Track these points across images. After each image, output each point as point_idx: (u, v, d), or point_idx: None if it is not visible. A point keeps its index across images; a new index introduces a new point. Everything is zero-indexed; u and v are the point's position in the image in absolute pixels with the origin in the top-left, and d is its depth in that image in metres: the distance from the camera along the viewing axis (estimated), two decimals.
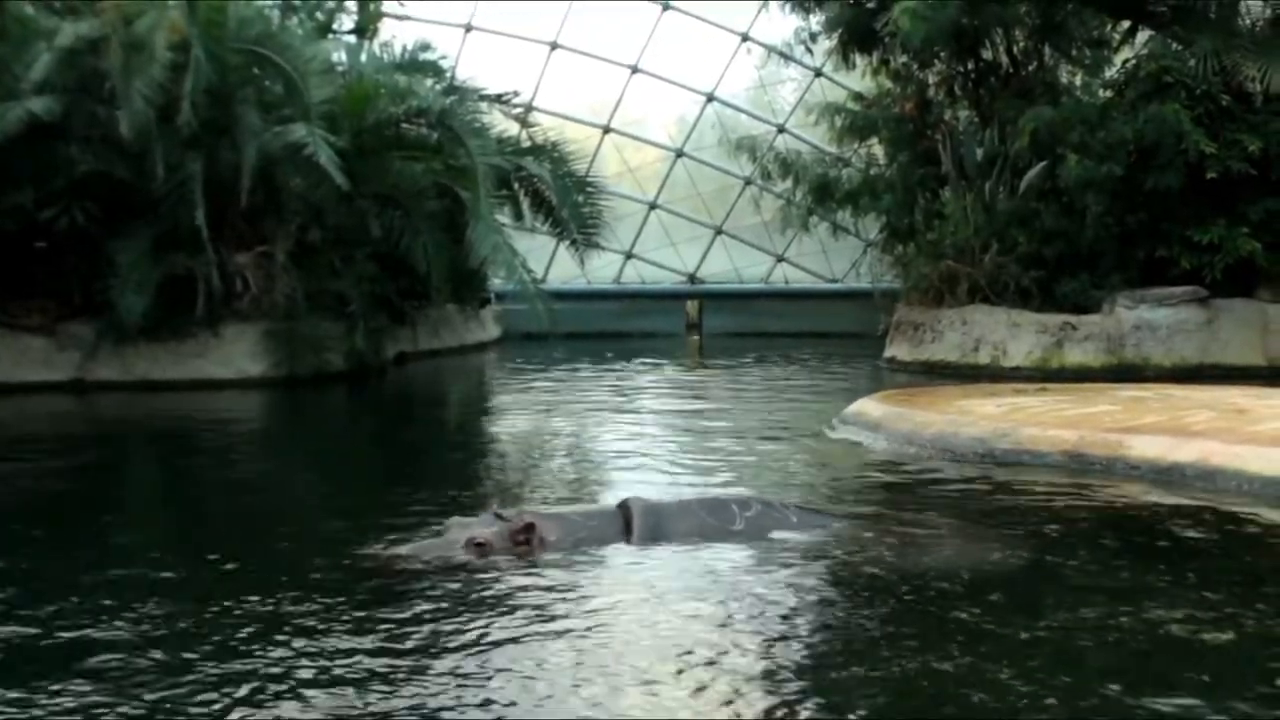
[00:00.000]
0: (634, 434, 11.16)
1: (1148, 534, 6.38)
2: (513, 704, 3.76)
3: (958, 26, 17.41)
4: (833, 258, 29.33)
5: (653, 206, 29.86)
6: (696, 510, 6.01)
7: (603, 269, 28.48)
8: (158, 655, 4.22)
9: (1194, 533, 6.36)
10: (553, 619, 4.62)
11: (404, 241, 17.83)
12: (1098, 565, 5.59)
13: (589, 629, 4.50)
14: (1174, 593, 5.02)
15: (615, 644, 4.34)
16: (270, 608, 4.81)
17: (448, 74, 21.68)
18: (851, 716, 3.71)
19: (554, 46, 27.46)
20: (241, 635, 4.44)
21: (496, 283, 22.22)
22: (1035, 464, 8.35)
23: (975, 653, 4.17)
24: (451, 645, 4.32)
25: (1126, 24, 19.30)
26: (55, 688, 3.90)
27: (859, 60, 20.44)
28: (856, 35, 19.49)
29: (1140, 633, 4.43)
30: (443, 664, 4.12)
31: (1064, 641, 4.36)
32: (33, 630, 4.55)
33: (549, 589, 5.00)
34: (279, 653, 4.23)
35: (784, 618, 4.62)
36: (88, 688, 3.90)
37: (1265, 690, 3.85)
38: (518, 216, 21.09)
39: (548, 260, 27.00)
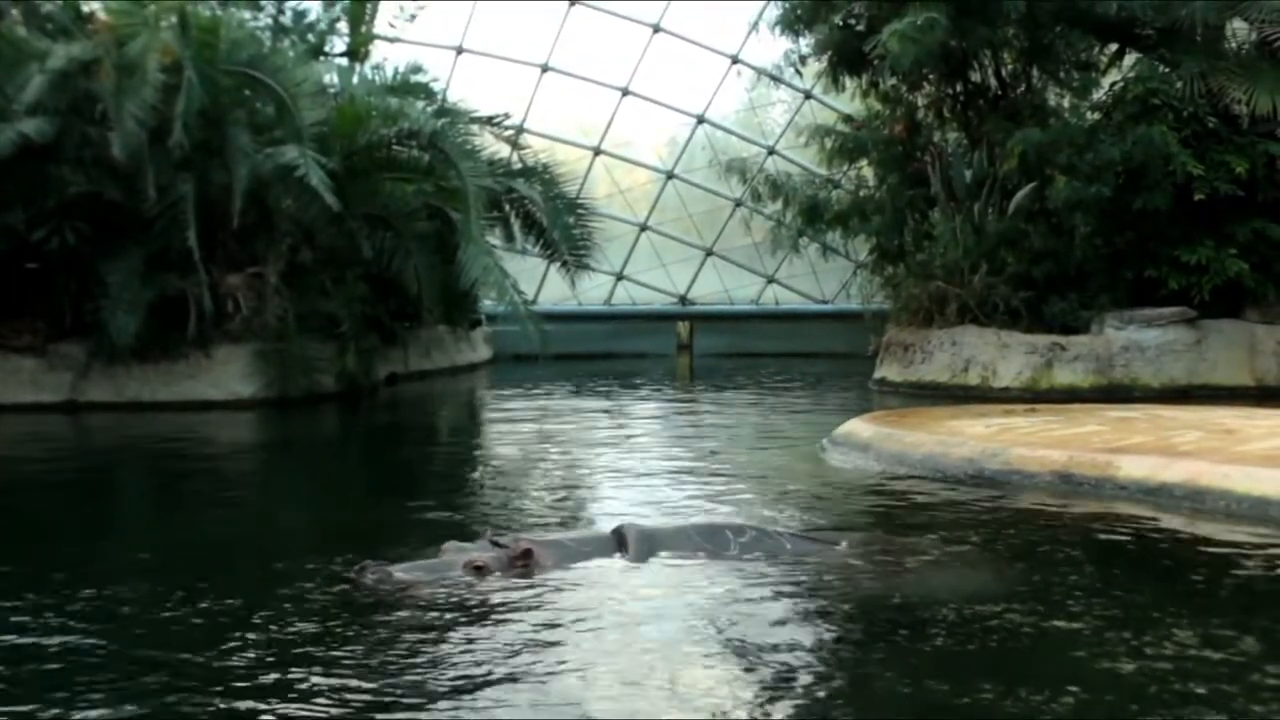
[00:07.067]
0: (625, 456, 11.16)
1: (1135, 557, 6.39)
2: None
3: (946, 49, 17.53)
4: (823, 279, 29.42)
5: (643, 228, 29.94)
6: (691, 536, 6.04)
7: (593, 290, 28.56)
8: (151, 674, 4.23)
9: (1183, 555, 6.37)
10: (552, 643, 4.62)
11: (395, 262, 17.87)
12: (1088, 589, 5.59)
13: (588, 654, 4.50)
14: (1164, 617, 5.04)
15: (613, 667, 4.35)
16: (262, 629, 4.80)
17: (439, 96, 21.76)
18: None
19: (545, 69, 27.57)
20: (233, 658, 4.43)
21: (487, 304, 22.24)
22: (1025, 484, 8.37)
23: (966, 680, 4.18)
24: (451, 667, 4.33)
25: (1114, 47, 19.44)
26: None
27: (848, 82, 20.53)
28: (846, 58, 19.59)
29: (1129, 656, 4.44)
30: (442, 685, 4.13)
31: (1057, 668, 4.37)
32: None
33: (548, 613, 5.00)
34: (270, 674, 4.23)
35: (773, 645, 4.61)
36: None
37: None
38: (509, 238, 21.14)
39: (539, 282, 27.03)
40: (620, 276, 30.27)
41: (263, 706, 3.93)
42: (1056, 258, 17.36)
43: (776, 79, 24.40)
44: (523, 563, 5.51)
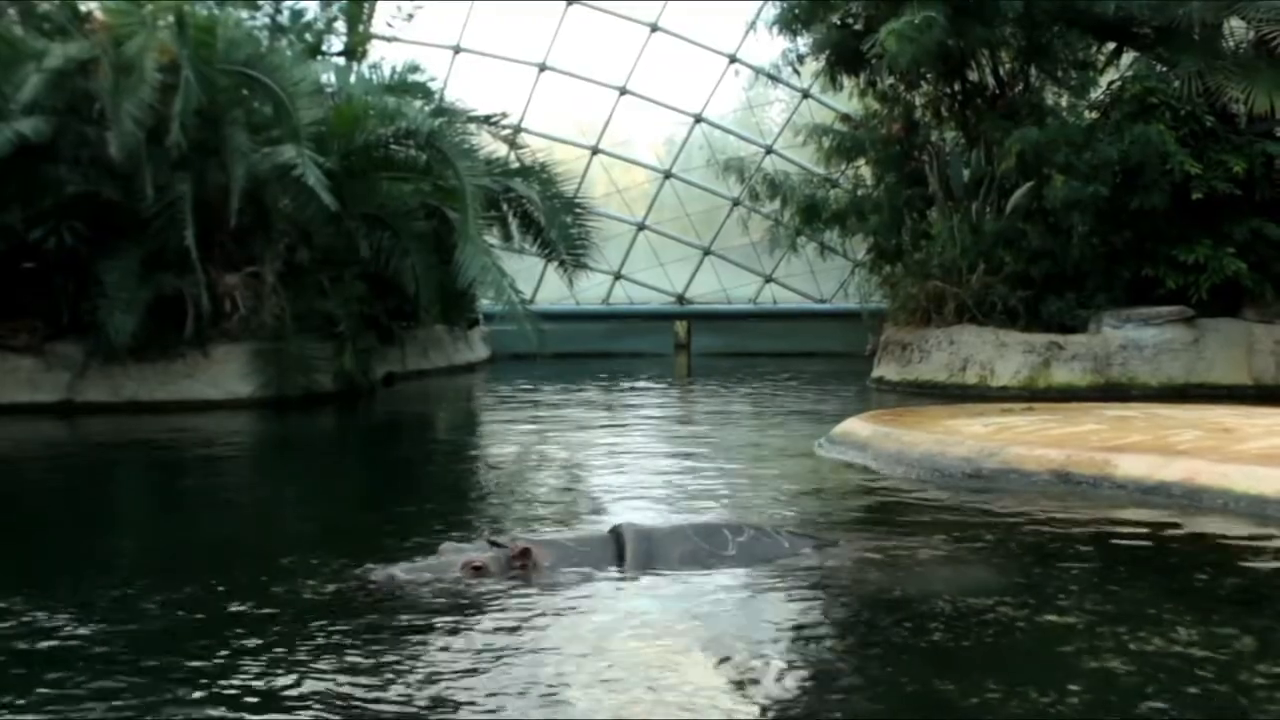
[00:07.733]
0: (623, 456, 11.16)
1: (1132, 555, 6.39)
2: None
3: (944, 48, 17.52)
4: (820, 278, 29.41)
5: (641, 227, 29.94)
6: (689, 535, 6.01)
7: (591, 290, 28.54)
8: (151, 673, 4.23)
9: (1179, 553, 6.38)
10: (550, 643, 4.62)
11: (393, 262, 17.86)
12: (1084, 587, 5.60)
13: (588, 654, 4.50)
14: (1161, 615, 5.04)
15: (611, 667, 4.36)
16: (260, 629, 4.80)
17: (437, 95, 21.77)
18: None
19: (542, 68, 27.57)
20: (232, 657, 4.43)
21: (485, 303, 22.23)
22: (1022, 483, 8.37)
23: (968, 677, 4.18)
24: (449, 667, 4.33)
25: (1111, 46, 19.45)
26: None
27: (846, 82, 20.55)
28: (844, 57, 19.60)
29: (1125, 654, 4.45)
30: (439, 685, 4.13)
31: (1055, 666, 4.37)
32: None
33: (549, 613, 5.01)
34: (268, 673, 4.23)
35: (774, 643, 4.62)
36: None
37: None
38: (506, 237, 21.12)
39: (536, 281, 27.07)
40: (618, 276, 30.27)
41: (262, 706, 3.93)
42: (1054, 257, 17.36)
43: (774, 78, 24.40)
44: (521, 562, 5.50)
